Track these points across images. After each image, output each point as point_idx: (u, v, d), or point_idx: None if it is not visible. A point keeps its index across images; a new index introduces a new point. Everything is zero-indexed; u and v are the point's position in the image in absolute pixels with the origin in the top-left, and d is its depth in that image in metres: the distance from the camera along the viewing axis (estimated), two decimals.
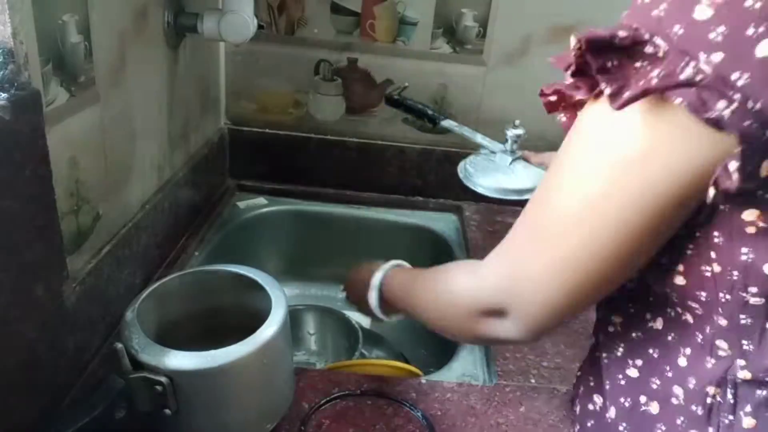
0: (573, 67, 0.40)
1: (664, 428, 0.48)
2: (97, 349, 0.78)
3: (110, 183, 0.81)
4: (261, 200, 1.29)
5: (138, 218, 0.88)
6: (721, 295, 0.42)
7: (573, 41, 0.39)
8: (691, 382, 0.46)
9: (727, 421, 0.44)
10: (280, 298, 0.64)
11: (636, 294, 0.50)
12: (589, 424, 0.56)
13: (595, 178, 0.41)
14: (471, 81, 1.28)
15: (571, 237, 0.43)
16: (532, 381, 0.80)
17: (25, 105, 0.57)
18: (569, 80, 0.42)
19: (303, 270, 1.21)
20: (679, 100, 0.35)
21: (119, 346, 0.56)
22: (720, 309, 0.43)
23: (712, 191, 0.37)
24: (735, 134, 0.34)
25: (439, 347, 1.11)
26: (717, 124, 0.34)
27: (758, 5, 0.33)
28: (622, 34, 0.37)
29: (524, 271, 0.47)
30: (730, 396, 0.44)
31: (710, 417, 0.45)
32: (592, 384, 0.57)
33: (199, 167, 1.14)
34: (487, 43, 1.24)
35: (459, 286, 0.56)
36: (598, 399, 0.55)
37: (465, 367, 0.85)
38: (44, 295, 0.63)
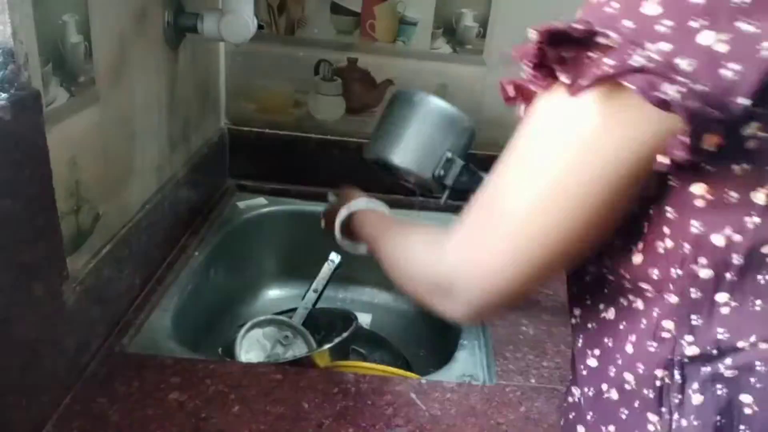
0: (534, 59, 0.43)
1: (626, 413, 0.50)
2: (97, 349, 0.78)
3: (110, 183, 0.81)
4: (261, 200, 1.29)
5: (138, 218, 0.88)
6: (672, 270, 0.45)
7: (532, 34, 0.43)
8: (640, 368, 0.48)
9: (677, 401, 0.47)
10: None
11: (593, 286, 0.52)
12: (570, 416, 0.59)
13: (555, 159, 0.44)
14: (471, 81, 1.28)
15: (531, 219, 0.45)
16: (532, 381, 0.80)
17: (25, 105, 0.57)
18: (528, 72, 0.45)
19: (303, 270, 1.21)
20: (630, 85, 0.38)
21: None
22: (671, 285, 0.46)
23: (664, 159, 0.40)
24: (681, 113, 0.37)
25: (439, 347, 1.11)
26: (664, 104, 0.38)
27: (701, 1, 0.37)
28: (577, 26, 0.41)
29: (476, 252, 0.49)
30: (677, 377, 0.47)
31: (661, 398, 0.48)
32: (570, 377, 0.60)
33: (199, 167, 1.15)
34: (487, 43, 1.24)
35: (417, 257, 0.60)
36: (575, 391, 0.58)
37: (465, 367, 0.85)
38: (44, 295, 0.63)
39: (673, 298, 0.46)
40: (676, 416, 0.48)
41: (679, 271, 0.45)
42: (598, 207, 0.43)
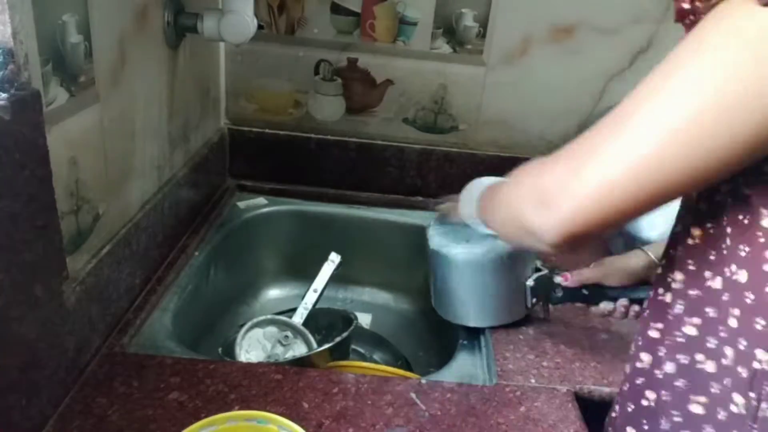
0: None
1: (718, 387, 0.48)
2: (97, 349, 0.78)
3: (110, 183, 0.81)
4: (261, 200, 1.29)
5: (138, 218, 0.88)
6: None
7: None
8: (742, 344, 0.46)
9: (767, 390, 0.45)
10: None
11: (698, 250, 0.50)
12: (638, 381, 0.57)
13: (717, 68, 0.39)
14: (471, 81, 1.28)
15: (663, 136, 0.41)
16: (532, 381, 0.80)
17: (25, 105, 0.57)
18: None
19: (303, 270, 1.21)
20: None
21: None
22: None
23: None
24: None
25: (439, 347, 1.11)
26: None
27: None
28: None
29: (591, 165, 0.46)
30: None
31: (752, 382, 0.45)
32: (640, 343, 0.58)
33: (199, 167, 1.15)
34: (487, 43, 1.24)
35: (530, 170, 0.57)
36: (646, 357, 0.56)
37: (465, 367, 0.85)
38: (44, 295, 0.63)
39: None
40: (764, 405, 0.45)
41: None
42: (738, 144, 0.39)
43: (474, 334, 0.92)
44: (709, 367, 0.49)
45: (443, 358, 0.92)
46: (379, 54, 1.26)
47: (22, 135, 0.57)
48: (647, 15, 1.19)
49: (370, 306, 1.27)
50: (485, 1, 1.21)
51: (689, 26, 0.43)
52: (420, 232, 1.25)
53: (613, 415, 0.63)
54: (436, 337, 1.15)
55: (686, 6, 0.44)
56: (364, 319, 1.22)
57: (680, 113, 0.40)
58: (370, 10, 1.23)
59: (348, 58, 1.27)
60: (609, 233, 0.49)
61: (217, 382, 0.74)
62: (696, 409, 0.50)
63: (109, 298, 0.80)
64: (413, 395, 0.75)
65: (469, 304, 0.91)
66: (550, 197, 0.49)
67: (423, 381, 0.79)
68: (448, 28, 1.24)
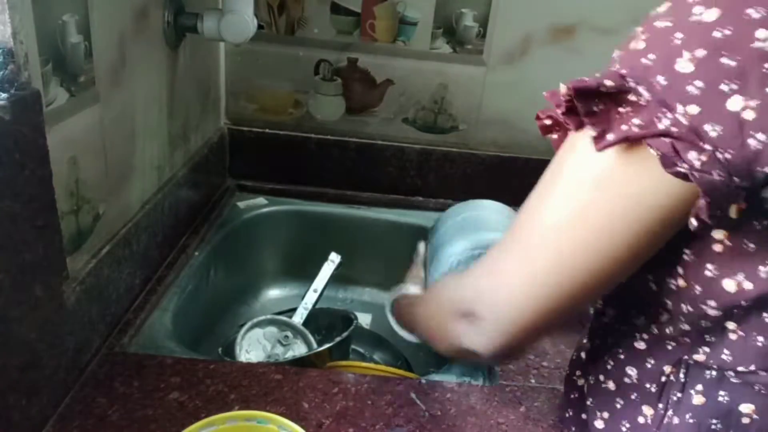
0: (563, 108, 0.43)
1: (621, 402, 0.53)
2: (97, 349, 0.78)
3: (110, 183, 0.81)
4: (261, 200, 1.29)
5: (138, 218, 0.88)
6: (683, 306, 0.46)
7: (562, 88, 0.43)
8: (649, 363, 0.50)
9: (675, 398, 0.49)
10: None
11: (627, 290, 0.53)
12: (572, 396, 0.62)
13: (573, 200, 0.44)
14: (471, 81, 1.28)
15: (547, 251, 0.46)
16: (532, 381, 0.80)
17: (25, 105, 0.57)
18: (558, 116, 0.45)
19: (303, 270, 1.21)
20: (653, 151, 0.39)
21: None
22: (682, 317, 0.47)
23: (694, 221, 0.40)
24: (700, 187, 0.38)
25: None
26: (685, 177, 0.38)
27: (733, 63, 0.36)
28: (608, 83, 0.41)
29: (499, 277, 0.50)
30: (682, 375, 0.48)
31: (661, 394, 0.49)
32: (574, 359, 0.62)
33: (199, 167, 1.15)
34: (487, 43, 1.24)
35: (445, 285, 0.62)
36: (579, 372, 0.61)
37: (465, 367, 0.85)
38: (44, 295, 0.63)
39: (685, 326, 0.48)
40: (670, 413, 0.49)
41: (690, 308, 0.46)
42: (617, 249, 0.43)
43: None
44: (611, 385, 0.53)
45: (443, 358, 0.92)
46: (379, 54, 1.26)
47: (22, 135, 0.57)
48: (647, 15, 1.19)
49: (370, 306, 1.27)
50: (485, 1, 1.21)
51: (557, 141, 0.49)
52: (420, 232, 1.25)
53: (567, 415, 0.65)
54: None
55: (547, 122, 0.49)
56: (364, 319, 1.22)
57: (554, 230, 0.46)
58: (370, 10, 1.23)
59: (348, 58, 1.27)
60: (549, 332, 0.53)
61: (217, 382, 0.74)
62: (598, 424, 0.55)
63: (109, 298, 0.80)
64: (413, 395, 0.75)
65: None
66: (474, 312, 0.52)
67: (423, 381, 0.79)
68: (448, 28, 1.24)
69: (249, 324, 0.96)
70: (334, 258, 1.08)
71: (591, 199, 0.43)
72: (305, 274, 1.15)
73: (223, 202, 1.26)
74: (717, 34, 0.37)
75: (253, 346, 0.95)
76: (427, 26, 1.24)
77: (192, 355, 0.82)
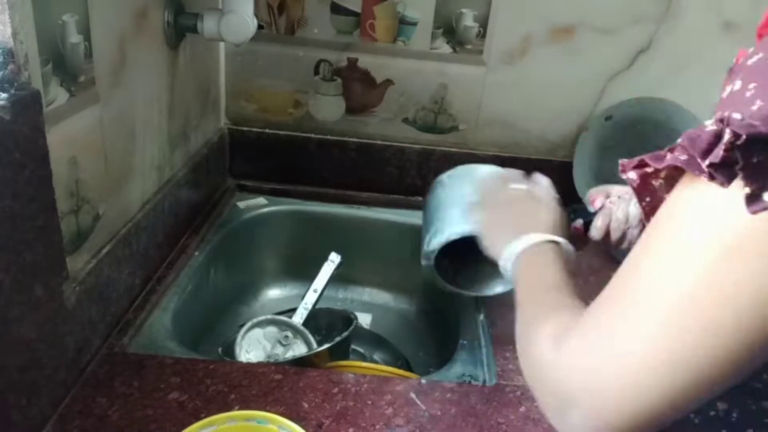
0: (719, 157, 0.35)
1: None
2: (97, 349, 0.78)
3: (110, 183, 0.81)
4: (261, 200, 1.29)
5: (138, 218, 0.88)
6: None
7: (728, 134, 0.35)
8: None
9: None
10: None
11: None
12: None
13: (696, 266, 0.37)
14: (471, 81, 1.28)
15: (672, 330, 0.38)
16: None
17: (25, 105, 0.57)
18: (697, 167, 0.37)
19: (303, 270, 1.21)
20: None
21: None
22: None
23: None
24: None
25: (439, 347, 1.11)
26: None
27: None
28: None
29: (606, 360, 0.40)
30: (735, 415, 0.44)
31: (702, 427, 0.45)
32: None
33: (199, 167, 1.15)
34: (487, 43, 1.24)
35: (541, 354, 0.48)
36: None
37: (465, 367, 0.85)
38: (44, 295, 0.63)
39: None
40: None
41: None
42: (734, 331, 0.36)
43: (474, 333, 0.93)
44: None
45: (443, 358, 0.92)
46: (379, 54, 1.26)
47: (22, 135, 0.57)
48: (647, 15, 1.19)
49: (370, 306, 1.27)
50: (485, 1, 1.21)
51: (649, 209, 0.42)
52: (420, 232, 1.25)
53: None
54: (436, 337, 1.15)
55: (648, 170, 0.42)
56: (364, 319, 1.22)
57: (689, 296, 0.38)
58: (370, 10, 1.23)
59: (348, 58, 1.27)
60: (668, 422, 0.42)
61: (217, 382, 0.74)
62: None
63: (109, 298, 0.80)
64: (413, 395, 0.75)
65: (454, 209, 0.84)
66: (569, 401, 0.42)
67: (423, 381, 0.79)
68: (448, 28, 1.24)
69: (249, 324, 0.96)
70: (334, 258, 1.08)
71: (714, 264, 0.36)
72: (305, 274, 1.14)
73: (223, 202, 1.26)
74: None
75: (253, 346, 0.95)
76: (427, 26, 1.23)
77: (192, 355, 0.82)
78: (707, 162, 0.36)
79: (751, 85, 0.36)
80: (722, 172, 0.35)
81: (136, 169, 0.89)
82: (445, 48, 1.25)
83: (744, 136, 0.34)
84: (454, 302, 1.02)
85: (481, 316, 0.95)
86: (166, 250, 1.01)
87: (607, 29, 1.20)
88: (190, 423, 0.56)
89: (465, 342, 0.91)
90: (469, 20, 1.23)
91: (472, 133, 1.32)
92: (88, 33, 0.71)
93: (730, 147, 0.34)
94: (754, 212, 0.34)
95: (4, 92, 0.56)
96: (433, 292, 0.98)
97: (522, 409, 0.75)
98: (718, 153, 0.35)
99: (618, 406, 0.40)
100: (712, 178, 0.36)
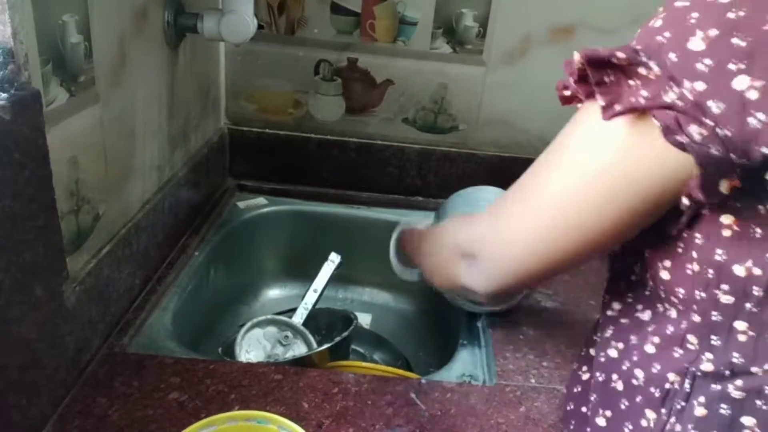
0: (575, 76, 0.46)
1: (626, 404, 0.54)
2: (97, 349, 0.78)
3: (110, 183, 0.81)
4: (261, 200, 1.29)
5: (138, 218, 0.88)
6: (697, 292, 0.47)
7: (576, 55, 0.45)
8: (655, 368, 0.51)
9: (679, 407, 0.49)
10: None
11: (636, 286, 0.55)
12: (575, 390, 0.63)
13: (580, 167, 0.48)
14: (471, 81, 1.28)
15: (552, 211, 0.50)
16: (532, 381, 0.80)
17: (25, 105, 0.57)
18: (571, 85, 0.48)
19: (303, 270, 1.21)
20: (657, 122, 0.41)
21: None
22: (695, 306, 0.48)
23: (686, 200, 0.43)
24: (695, 157, 0.40)
25: (439, 347, 1.11)
26: (682, 147, 0.40)
27: (743, 44, 0.38)
28: (620, 55, 0.42)
29: (503, 227, 0.55)
30: (687, 385, 0.49)
31: (665, 400, 0.50)
32: (583, 354, 0.64)
33: (199, 167, 1.15)
34: (487, 43, 1.24)
35: (451, 226, 0.68)
36: (585, 373, 0.62)
37: (465, 367, 0.85)
38: (44, 295, 0.63)
39: (696, 317, 0.48)
40: (672, 419, 0.50)
41: (703, 294, 0.47)
42: (616, 215, 0.46)
43: (474, 333, 0.93)
44: (619, 386, 0.55)
45: (443, 358, 0.92)
46: (379, 54, 1.26)
47: (22, 135, 0.57)
48: (647, 15, 1.18)
49: (370, 306, 1.27)
50: (485, 1, 1.21)
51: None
52: None
53: (568, 408, 0.66)
54: (436, 337, 1.15)
55: (566, 93, 0.51)
56: (364, 319, 1.22)
57: (560, 193, 0.50)
58: (370, 10, 1.23)
59: (348, 58, 1.27)
60: (541, 284, 0.58)
61: (217, 382, 0.74)
62: (600, 422, 0.56)
63: (109, 298, 0.80)
64: (413, 395, 0.75)
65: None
66: (476, 254, 0.58)
67: (423, 381, 0.79)
68: (448, 28, 1.24)
69: (249, 324, 0.96)
70: (334, 258, 1.08)
71: (598, 166, 0.46)
72: (305, 274, 1.15)
73: (223, 202, 1.26)
74: (731, 15, 0.38)
75: (253, 346, 0.95)
76: (427, 26, 1.24)
77: (192, 355, 0.82)
78: (572, 80, 0.47)
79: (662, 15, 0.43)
80: (582, 88, 0.46)
81: (136, 169, 0.89)
82: (445, 48, 1.25)
83: (585, 56, 0.44)
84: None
85: (481, 317, 0.95)
86: (166, 250, 1.01)
87: (607, 29, 1.20)
88: (190, 423, 0.56)
89: (465, 342, 0.91)
90: (469, 20, 1.23)
91: (472, 133, 1.32)
92: (88, 33, 0.71)
93: (582, 66, 0.45)
94: (608, 118, 0.43)
95: (4, 92, 0.56)
96: (433, 292, 0.97)
97: (522, 409, 0.75)
98: (574, 71, 0.46)
99: (507, 265, 0.55)
100: (578, 91, 0.47)
